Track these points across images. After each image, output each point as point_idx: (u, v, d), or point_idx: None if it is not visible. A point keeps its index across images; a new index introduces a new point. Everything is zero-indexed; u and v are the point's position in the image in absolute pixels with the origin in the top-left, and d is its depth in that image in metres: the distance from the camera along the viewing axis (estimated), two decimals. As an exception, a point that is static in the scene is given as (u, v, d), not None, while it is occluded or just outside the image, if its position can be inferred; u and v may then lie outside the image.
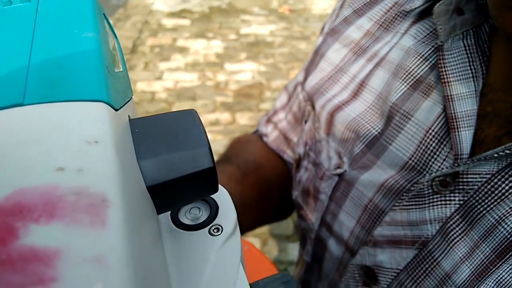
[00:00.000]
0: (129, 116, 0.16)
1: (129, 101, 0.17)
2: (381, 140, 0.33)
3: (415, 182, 0.31)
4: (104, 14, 0.19)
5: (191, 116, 0.16)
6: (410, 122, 0.32)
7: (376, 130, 0.34)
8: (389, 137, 0.33)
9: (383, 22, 0.36)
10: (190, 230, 0.18)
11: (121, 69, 0.18)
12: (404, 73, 0.32)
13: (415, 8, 0.34)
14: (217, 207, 0.19)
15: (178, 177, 0.15)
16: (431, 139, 0.31)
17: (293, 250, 1.41)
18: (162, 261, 0.15)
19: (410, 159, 0.32)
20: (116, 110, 0.14)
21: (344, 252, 0.38)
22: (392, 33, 0.35)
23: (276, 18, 2.55)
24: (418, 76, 0.32)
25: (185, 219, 0.19)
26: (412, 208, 0.32)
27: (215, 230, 0.18)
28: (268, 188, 0.45)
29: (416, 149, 0.31)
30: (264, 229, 1.41)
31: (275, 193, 0.47)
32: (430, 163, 0.31)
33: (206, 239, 0.18)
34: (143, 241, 0.12)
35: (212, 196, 0.19)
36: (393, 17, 0.36)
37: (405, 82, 0.32)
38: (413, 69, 0.32)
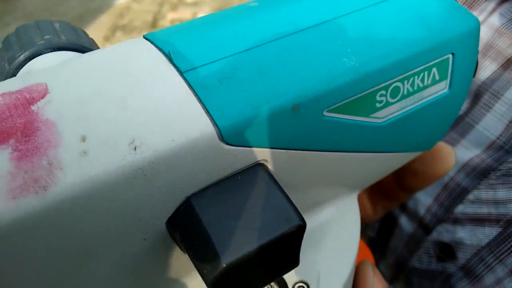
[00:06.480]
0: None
1: None
2: (467, 119, 0.33)
3: (504, 161, 0.31)
4: None
5: (259, 175, 0.15)
6: (499, 101, 0.32)
7: (462, 110, 0.34)
8: (476, 116, 0.33)
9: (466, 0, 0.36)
10: None
11: None
12: (494, 52, 0.32)
13: None
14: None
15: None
16: None
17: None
18: None
19: (498, 138, 0.32)
20: None
21: (416, 228, 0.38)
22: (477, 11, 0.34)
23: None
24: (509, 56, 0.32)
25: None
26: (499, 187, 0.32)
27: None
28: None
29: (505, 129, 0.32)
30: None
31: None
32: None
33: None
34: None
35: None
36: None
37: (496, 61, 0.32)
38: (504, 49, 0.32)
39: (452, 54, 0.17)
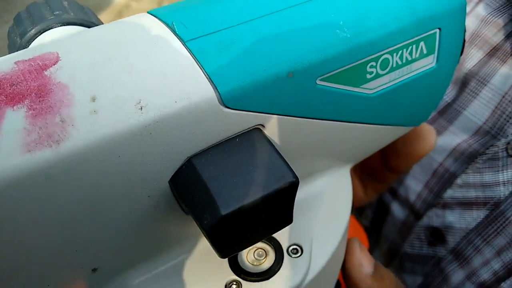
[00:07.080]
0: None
1: None
2: (454, 106, 0.35)
3: (490, 145, 0.33)
4: None
5: (256, 138, 0.16)
6: (486, 88, 0.33)
7: (450, 98, 0.35)
8: (463, 103, 0.34)
9: None
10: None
11: None
12: (480, 41, 0.33)
13: None
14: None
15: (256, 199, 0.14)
16: (507, 104, 0.32)
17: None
18: None
19: (484, 123, 0.33)
20: None
21: (408, 215, 0.39)
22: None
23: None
24: (495, 44, 0.33)
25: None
26: (486, 171, 0.33)
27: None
28: None
29: (491, 114, 0.33)
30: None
31: None
32: (505, 127, 0.32)
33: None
34: None
35: None
36: None
37: (482, 49, 0.33)
38: (489, 37, 0.33)
39: (439, 29, 0.18)
